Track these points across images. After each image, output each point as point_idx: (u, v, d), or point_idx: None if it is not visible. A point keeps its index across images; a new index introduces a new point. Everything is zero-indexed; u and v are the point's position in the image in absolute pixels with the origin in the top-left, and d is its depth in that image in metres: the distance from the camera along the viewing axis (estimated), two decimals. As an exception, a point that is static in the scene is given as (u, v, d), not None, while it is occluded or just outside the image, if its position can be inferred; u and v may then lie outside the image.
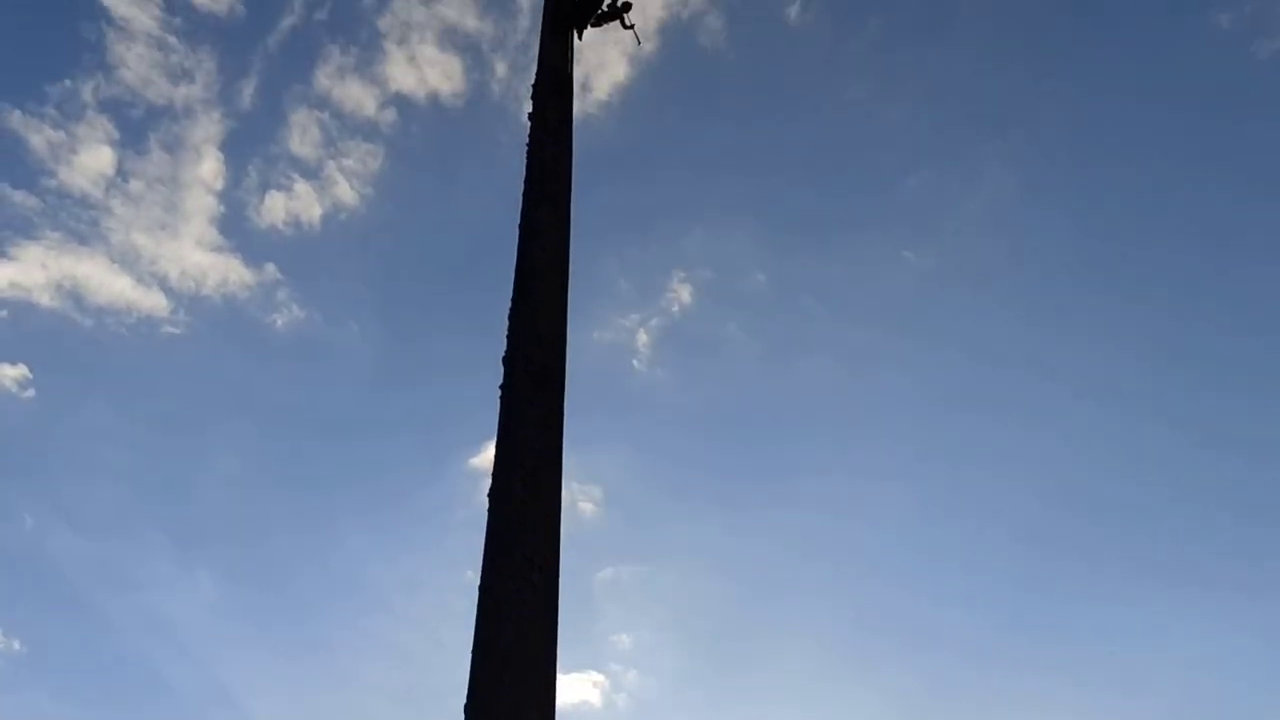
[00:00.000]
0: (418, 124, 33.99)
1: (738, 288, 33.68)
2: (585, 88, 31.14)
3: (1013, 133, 33.29)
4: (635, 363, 32.59)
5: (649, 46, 29.81)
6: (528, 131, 10.54)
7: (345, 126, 33.22)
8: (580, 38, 11.83)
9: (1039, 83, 33.46)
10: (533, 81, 11.11)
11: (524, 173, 10.18)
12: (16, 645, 27.95)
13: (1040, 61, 33.67)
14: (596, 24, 12.12)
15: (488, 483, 8.46)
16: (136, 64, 31.04)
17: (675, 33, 33.33)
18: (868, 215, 33.88)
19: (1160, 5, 32.85)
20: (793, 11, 33.52)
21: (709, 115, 34.16)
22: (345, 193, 32.78)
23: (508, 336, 9.36)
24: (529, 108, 10.86)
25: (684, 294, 33.05)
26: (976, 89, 33.77)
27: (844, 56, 34.28)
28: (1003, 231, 32.68)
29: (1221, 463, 29.80)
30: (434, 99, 33.36)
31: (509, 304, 9.52)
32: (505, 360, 9.22)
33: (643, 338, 32.87)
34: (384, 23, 33.29)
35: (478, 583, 7.91)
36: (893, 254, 32.78)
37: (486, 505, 8.32)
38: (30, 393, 30.76)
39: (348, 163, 32.97)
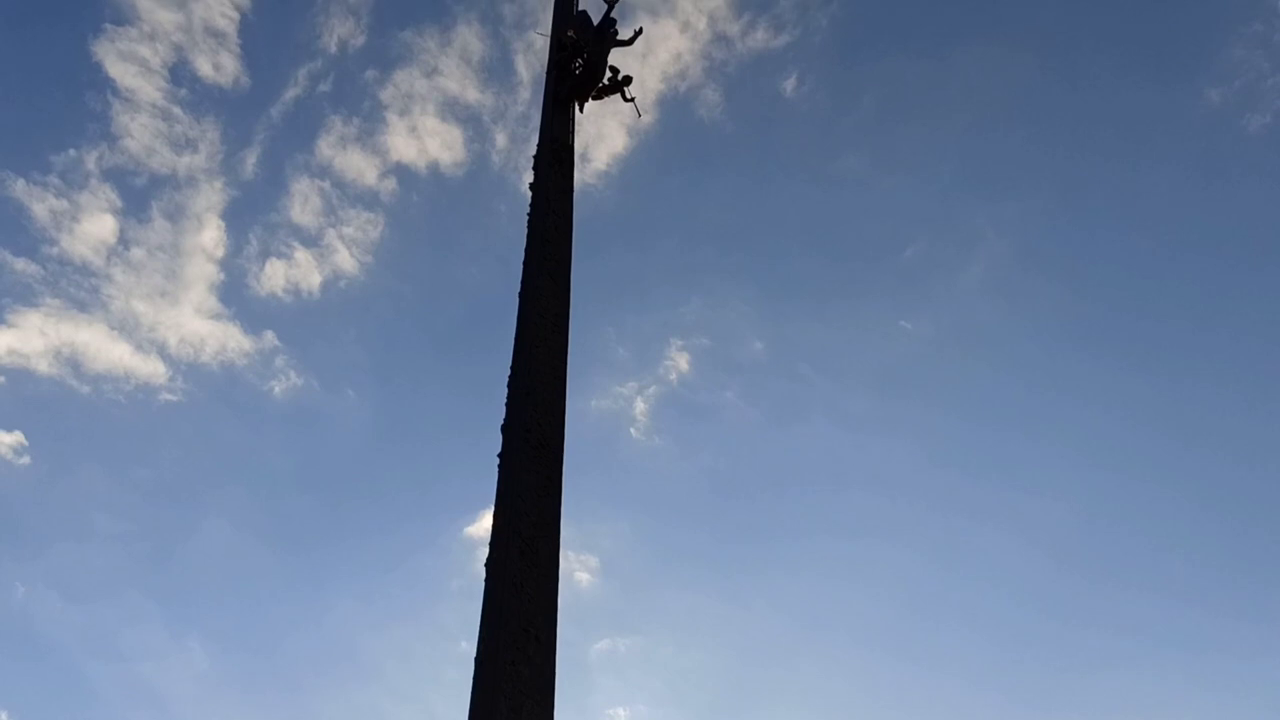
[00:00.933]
0: (418, 193, 34.36)
1: (735, 356, 33.77)
2: (584, 158, 31.46)
3: (1008, 202, 33.73)
4: (633, 431, 32.54)
5: (647, 118, 30.27)
6: (528, 201, 10.66)
7: (346, 195, 33.54)
8: (581, 110, 12.03)
9: (1033, 153, 33.98)
10: (534, 152, 11.26)
11: (524, 242, 10.29)
12: (4, 716, 27.50)
13: (1034, 132, 34.22)
14: (598, 97, 12.30)
15: (483, 551, 8.42)
16: (140, 134, 31.45)
17: (673, 105, 33.89)
18: (865, 284, 34.13)
19: (1152, 80, 33.55)
20: (789, 85, 34.11)
21: (707, 185, 34.60)
22: (345, 260, 33.07)
23: (506, 404, 9.38)
24: (529, 178, 11.01)
25: (682, 362, 33.17)
26: (971, 160, 34.27)
27: (840, 129, 34.80)
28: (999, 299, 32.92)
29: (1219, 524, 29.81)
30: (434, 168, 33.78)
31: (507, 371, 9.54)
32: (504, 428, 9.22)
33: (640, 406, 32.90)
34: (386, 94, 33.85)
35: (472, 654, 7.83)
36: (890, 322, 32.98)
37: (482, 575, 8.26)
38: (25, 460, 30.65)
39: (348, 231, 33.26)
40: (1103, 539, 29.95)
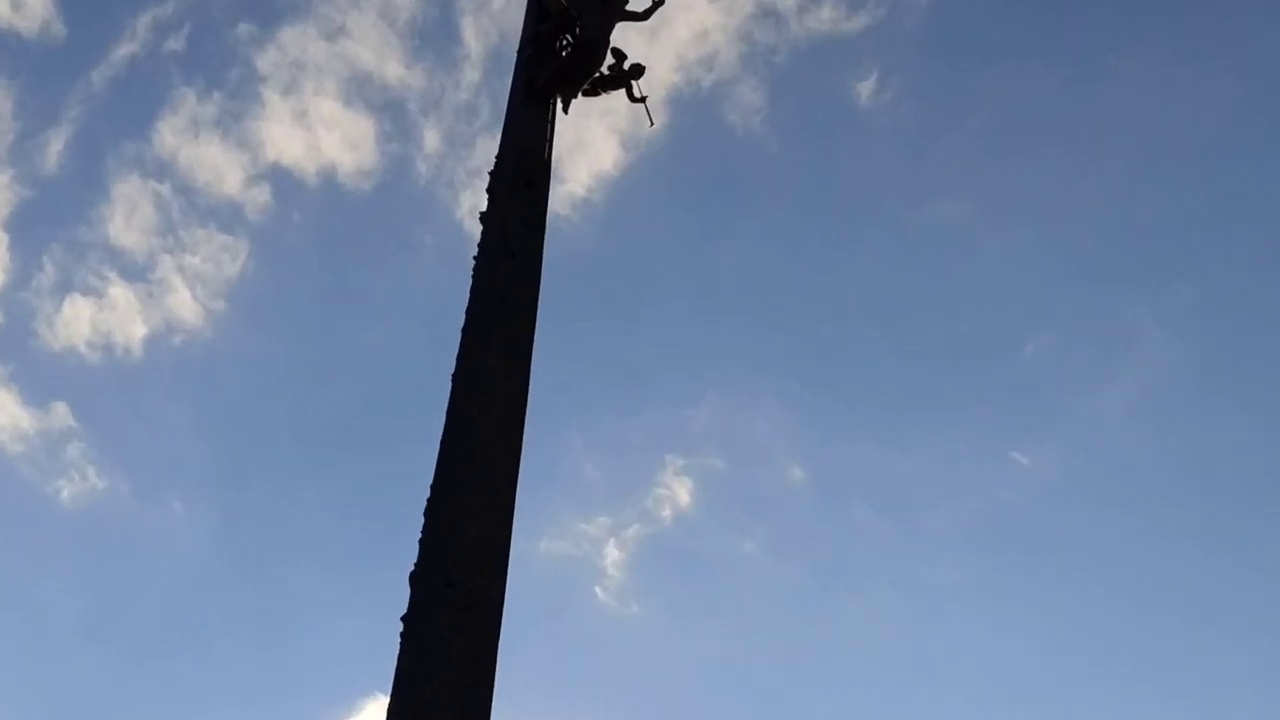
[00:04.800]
0: (302, 211, 24.44)
1: (762, 487, 23.74)
2: (556, 177, 24.43)
3: (1178, 287, 24.59)
4: (599, 590, 23.25)
5: (652, 125, 23.54)
6: (476, 238, 8.54)
7: (194, 207, 23.95)
8: (566, 110, 9.57)
9: (1217, 220, 24.98)
10: (489, 167, 8.96)
11: (465, 298, 8.28)
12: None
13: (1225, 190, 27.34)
14: (592, 92, 9.90)
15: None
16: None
17: (692, 106, 24.32)
18: (960, 393, 24.05)
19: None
20: (864, 89, 24.21)
21: (734, 230, 24.45)
22: (184, 304, 23.75)
23: (421, 543, 7.33)
24: (479, 203, 8.86)
25: (681, 491, 23.51)
26: (1131, 219, 25.34)
27: (936, 160, 24.48)
28: (1159, 426, 24.17)
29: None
30: (329, 176, 24.06)
31: (425, 493, 7.58)
32: (413, 578, 7.23)
33: (613, 554, 23.35)
34: (265, 61, 24.19)
35: None
36: (996, 451, 23.10)
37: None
38: None
39: (192, 261, 23.91)
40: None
